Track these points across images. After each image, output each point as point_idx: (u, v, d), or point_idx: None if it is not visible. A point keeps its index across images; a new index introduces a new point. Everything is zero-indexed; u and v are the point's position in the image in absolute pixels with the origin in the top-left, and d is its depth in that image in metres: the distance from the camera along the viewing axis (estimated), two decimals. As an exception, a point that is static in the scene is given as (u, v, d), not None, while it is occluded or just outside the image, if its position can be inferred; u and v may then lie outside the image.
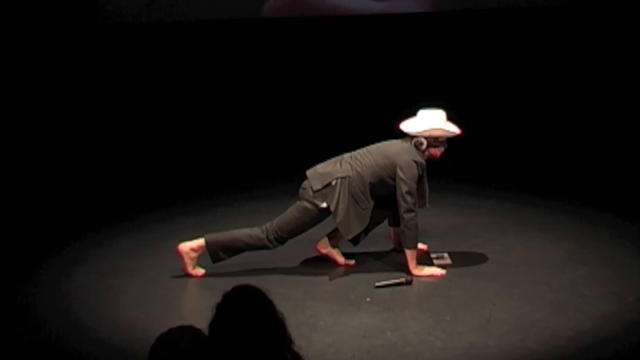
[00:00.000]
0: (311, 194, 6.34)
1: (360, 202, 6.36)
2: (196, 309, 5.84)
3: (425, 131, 6.39)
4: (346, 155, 6.51)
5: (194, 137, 9.65)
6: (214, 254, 6.40)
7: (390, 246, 6.80)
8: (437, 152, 6.48)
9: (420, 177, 6.41)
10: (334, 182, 6.33)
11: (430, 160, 6.49)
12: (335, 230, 6.49)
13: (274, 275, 6.39)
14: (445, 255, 6.63)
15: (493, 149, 9.26)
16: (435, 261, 6.56)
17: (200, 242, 6.40)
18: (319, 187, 6.34)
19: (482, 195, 7.94)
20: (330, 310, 5.91)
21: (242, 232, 6.47)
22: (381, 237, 6.94)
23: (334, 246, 6.58)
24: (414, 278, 6.22)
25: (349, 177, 6.34)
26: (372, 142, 6.56)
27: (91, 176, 8.80)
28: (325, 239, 6.57)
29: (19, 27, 9.60)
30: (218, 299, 3.35)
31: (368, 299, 6.01)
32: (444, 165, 8.77)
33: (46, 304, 6.12)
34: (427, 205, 6.59)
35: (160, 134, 9.69)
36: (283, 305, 3.41)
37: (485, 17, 10.12)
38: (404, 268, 6.35)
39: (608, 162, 8.73)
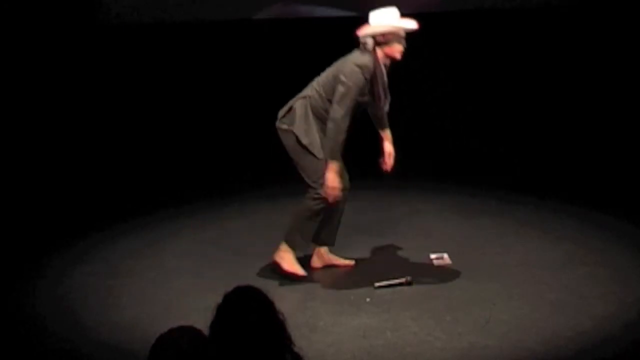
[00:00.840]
0: (278, 122, 6.29)
1: (324, 119, 6.17)
2: (196, 310, 5.80)
3: (370, 30, 6.14)
4: (315, 79, 6.38)
5: (193, 137, 9.66)
6: (298, 245, 6.33)
7: (389, 247, 6.81)
8: (391, 50, 6.13)
9: (371, 81, 6.13)
10: (294, 105, 6.24)
11: (395, 62, 6.23)
12: (317, 239, 6.47)
13: (274, 276, 6.38)
14: (445, 255, 6.63)
15: (493, 149, 9.26)
16: (435, 261, 6.56)
17: (282, 245, 6.33)
18: (283, 114, 6.28)
19: (482, 195, 7.95)
20: (330, 310, 5.91)
21: (301, 211, 6.30)
22: (381, 238, 6.95)
23: (325, 255, 6.52)
24: (414, 279, 6.21)
25: (309, 96, 6.22)
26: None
27: (91, 177, 8.82)
28: (315, 256, 6.52)
29: (19, 26, 9.60)
30: (218, 299, 3.35)
31: (368, 300, 6.01)
32: (443, 165, 8.85)
33: (46, 304, 6.12)
34: (387, 108, 6.35)
35: (161, 134, 9.69)
36: (283, 306, 3.41)
37: (487, 18, 10.11)
38: (405, 269, 6.35)
39: (608, 163, 8.73)
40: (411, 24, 6.12)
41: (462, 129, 9.81)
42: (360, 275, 6.40)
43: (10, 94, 9.56)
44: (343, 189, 6.29)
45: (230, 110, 9.86)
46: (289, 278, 6.30)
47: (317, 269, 6.52)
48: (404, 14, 6.18)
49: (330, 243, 6.51)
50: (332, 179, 6.10)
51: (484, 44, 10.13)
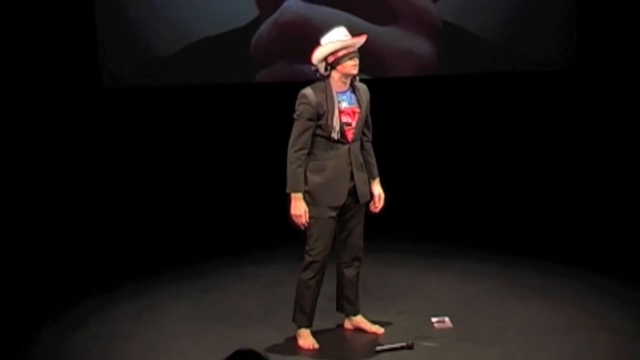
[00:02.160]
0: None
1: (319, 170, 6.07)
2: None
3: (319, 54, 6.01)
4: None
5: (194, 200, 9.68)
6: (302, 321, 6.27)
7: (390, 310, 6.79)
8: (343, 67, 5.97)
9: (318, 107, 5.97)
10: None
11: (352, 76, 6.04)
12: (341, 308, 6.48)
13: (275, 338, 6.36)
14: (447, 319, 6.61)
15: (494, 212, 9.28)
16: (436, 325, 6.54)
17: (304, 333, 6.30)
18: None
19: (483, 259, 7.94)
20: (331, 374, 5.90)
21: (297, 286, 6.25)
22: (381, 301, 6.93)
23: (354, 314, 6.49)
24: (415, 342, 6.19)
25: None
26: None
27: (91, 239, 8.82)
28: (346, 319, 6.51)
29: (22, 88, 9.68)
30: (219, 363, 3.35)
31: (369, 364, 6.00)
32: (445, 228, 8.85)
33: (46, 368, 6.11)
34: (336, 137, 6.01)
35: (162, 197, 9.72)
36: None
37: (481, 82, 10.21)
38: (406, 332, 6.33)
39: (609, 227, 8.74)
40: (359, 38, 6.02)
41: (462, 192, 9.83)
42: (361, 339, 6.37)
43: (13, 155, 9.61)
44: (355, 257, 6.30)
45: (231, 172, 9.90)
46: (292, 339, 6.28)
47: (348, 330, 6.50)
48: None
49: (351, 313, 6.48)
50: (294, 206, 6.03)
51: (481, 106, 10.21)
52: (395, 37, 9.99)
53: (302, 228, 6.08)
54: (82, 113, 9.89)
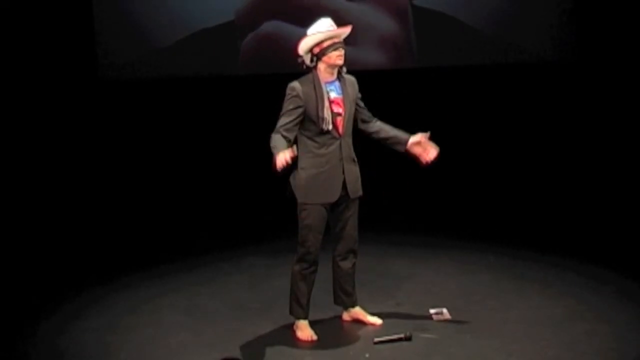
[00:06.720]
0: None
1: (312, 167, 6.05)
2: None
3: (304, 45, 6.00)
4: None
5: (192, 192, 9.67)
6: (299, 313, 6.27)
7: (388, 301, 6.79)
8: (329, 58, 5.97)
9: (306, 99, 5.95)
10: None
11: (337, 66, 6.01)
12: (338, 301, 6.48)
13: (272, 331, 6.36)
14: (445, 310, 6.62)
15: (492, 204, 9.28)
16: (434, 316, 6.54)
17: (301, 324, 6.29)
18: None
19: (481, 251, 7.94)
20: (329, 366, 5.90)
21: (291, 279, 6.26)
22: (380, 293, 6.93)
23: (352, 306, 6.49)
24: (413, 334, 6.19)
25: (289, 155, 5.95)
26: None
27: (89, 231, 8.82)
28: (344, 310, 6.52)
29: (19, 80, 9.67)
30: (216, 355, 3.34)
31: (367, 355, 5.98)
32: (443, 220, 8.85)
33: (44, 360, 6.11)
34: (328, 127, 5.98)
35: (160, 189, 9.71)
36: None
37: (469, 73, 10.20)
38: (404, 324, 6.33)
39: (608, 218, 8.75)
40: (344, 29, 6.01)
41: (459, 184, 9.83)
42: (360, 330, 6.38)
43: (10, 147, 9.60)
44: (350, 249, 6.29)
45: (228, 164, 9.89)
46: (290, 332, 6.28)
47: (346, 321, 6.51)
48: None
49: (349, 305, 6.49)
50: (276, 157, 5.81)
51: (478, 98, 10.21)
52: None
53: (283, 164, 5.75)
54: (80, 105, 9.88)
